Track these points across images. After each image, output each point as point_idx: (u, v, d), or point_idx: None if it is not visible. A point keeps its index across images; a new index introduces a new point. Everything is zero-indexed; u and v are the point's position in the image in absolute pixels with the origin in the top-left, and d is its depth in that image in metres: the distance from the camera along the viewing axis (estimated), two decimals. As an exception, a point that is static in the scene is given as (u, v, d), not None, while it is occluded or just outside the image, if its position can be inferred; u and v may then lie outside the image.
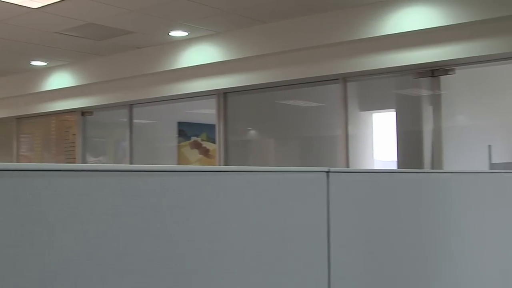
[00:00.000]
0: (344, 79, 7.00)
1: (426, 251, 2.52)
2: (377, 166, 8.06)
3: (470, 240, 2.93)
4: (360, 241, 2.12)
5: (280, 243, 1.79)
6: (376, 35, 6.49)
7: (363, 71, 6.72)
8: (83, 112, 10.11)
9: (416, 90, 6.93)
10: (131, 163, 9.07)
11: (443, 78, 6.54)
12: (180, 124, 9.50)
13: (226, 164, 8.00)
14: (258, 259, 1.71)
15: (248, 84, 7.66)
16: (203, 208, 1.54)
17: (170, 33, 7.81)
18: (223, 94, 8.14)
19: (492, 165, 7.06)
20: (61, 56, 9.23)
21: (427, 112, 6.69)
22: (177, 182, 1.48)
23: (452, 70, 6.42)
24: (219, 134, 8.14)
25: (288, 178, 1.85)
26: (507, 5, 5.61)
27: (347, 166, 6.85)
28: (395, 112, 7.19)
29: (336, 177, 1.98)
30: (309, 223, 1.91)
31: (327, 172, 1.96)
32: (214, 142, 8.28)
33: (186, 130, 9.45)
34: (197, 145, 9.29)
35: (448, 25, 6.08)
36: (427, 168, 6.61)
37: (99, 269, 1.26)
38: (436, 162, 6.54)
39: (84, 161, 10.12)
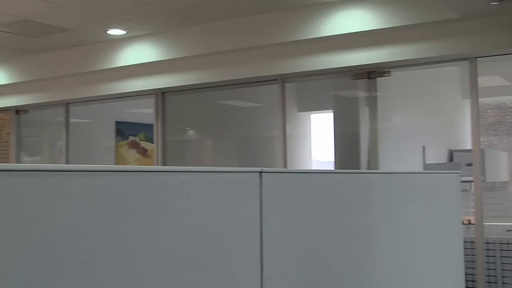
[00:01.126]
0: (282, 79, 7.04)
1: (359, 251, 2.56)
2: (315, 166, 8.14)
3: (403, 239, 2.98)
4: (293, 241, 2.14)
5: (213, 243, 1.78)
6: (314, 37, 6.54)
7: (301, 72, 6.77)
8: (18, 110, 9.87)
9: (353, 92, 7.03)
10: (67, 163, 8.91)
11: (379, 80, 6.64)
12: (118, 123, 9.39)
13: (164, 164, 7.93)
14: (191, 259, 1.70)
15: (186, 84, 7.62)
16: (134, 208, 1.52)
17: (107, 31, 7.70)
18: (161, 94, 8.07)
19: (426, 166, 7.22)
20: (-5, 53, 8.99)
21: (364, 113, 6.79)
22: (109, 182, 1.46)
23: (388, 72, 6.53)
24: (157, 134, 8.07)
25: (221, 179, 1.84)
26: (442, 10, 5.74)
27: (285, 167, 6.89)
28: (332, 113, 7.27)
29: (269, 178, 1.99)
30: (242, 223, 1.91)
31: (260, 172, 1.96)
32: (152, 142, 8.21)
33: (124, 130, 9.35)
34: (135, 145, 9.20)
35: (384, 28, 6.18)
36: (364, 168, 6.71)
37: (24, 271, 1.23)
38: (372, 162, 6.64)
39: (18, 161, 9.89)
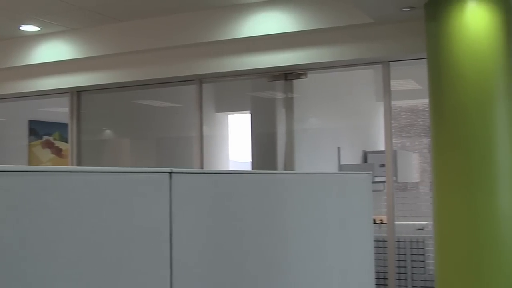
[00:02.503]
0: (200, 80, 7.03)
1: (270, 251, 2.58)
2: (232, 167, 8.17)
3: (315, 238, 3.03)
4: (203, 242, 2.13)
5: (121, 244, 1.76)
6: (232, 38, 6.56)
7: (219, 72, 6.78)
8: None
9: (270, 93, 7.09)
10: (-23, 163, 8.60)
11: (296, 81, 6.73)
12: (31, 122, 9.14)
13: (79, 164, 7.78)
14: (98, 261, 1.67)
15: (102, 83, 7.49)
16: (36, 209, 1.48)
17: (20, 27, 7.48)
18: (77, 93, 7.91)
19: (341, 167, 7.37)
20: None
21: (281, 115, 6.86)
22: (10, 182, 1.42)
23: (305, 74, 6.63)
24: (72, 134, 7.90)
25: (130, 179, 1.82)
26: (357, 14, 5.86)
27: (202, 167, 6.88)
28: (250, 114, 7.32)
29: (179, 178, 1.98)
30: (151, 224, 1.90)
31: (170, 173, 1.95)
32: (67, 142, 8.03)
33: (37, 129, 9.11)
34: (49, 145, 8.98)
35: (301, 31, 6.26)
36: (280, 169, 6.78)
37: None
38: (288, 163, 6.72)
39: None
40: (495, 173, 5.02)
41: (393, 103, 6.31)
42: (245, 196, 2.39)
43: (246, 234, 2.39)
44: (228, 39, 6.59)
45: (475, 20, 5.08)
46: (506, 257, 5.02)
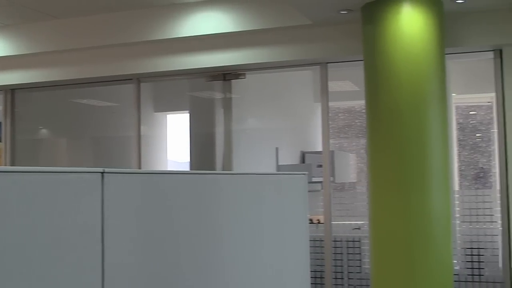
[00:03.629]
0: (138, 79, 6.96)
1: (204, 250, 2.58)
2: (171, 167, 8.13)
3: (250, 238, 3.04)
4: (135, 242, 2.12)
5: (51, 245, 1.73)
6: (171, 37, 6.52)
7: (157, 72, 6.72)
8: None
9: (209, 93, 7.08)
10: None
11: (234, 82, 6.74)
12: (-37, 120, 8.88)
13: (13, 164, 7.60)
14: (28, 261, 1.64)
15: (38, 81, 7.33)
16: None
17: (-49, 23, 7.27)
18: (11, 91, 7.72)
19: (279, 167, 7.41)
20: None
21: (219, 115, 6.85)
22: None
23: (243, 74, 6.64)
24: (5, 133, 7.71)
25: (61, 179, 1.80)
26: (296, 16, 5.89)
27: (140, 167, 6.82)
28: (188, 114, 7.29)
29: (111, 178, 1.96)
30: (83, 224, 1.87)
31: (102, 173, 1.93)
32: (0, 141, 7.84)
33: (-31, 128, 8.85)
34: (-18, 144, 8.74)
35: (240, 31, 6.26)
36: (219, 169, 6.78)
37: None
38: (227, 163, 6.72)
39: None
40: (428, 173, 5.14)
41: (331, 104, 6.38)
42: (179, 196, 2.38)
43: (179, 234, 2.38)
44: (167, 39, 6.54)
45: (410, 24, 5.19)
46: (438, 255, 5.14)
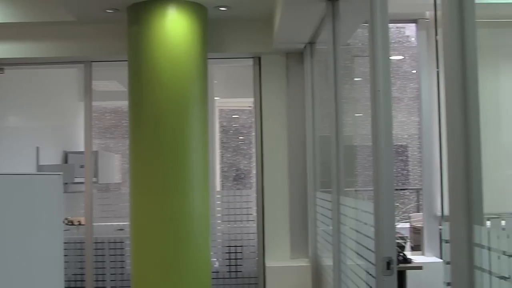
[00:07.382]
0: None
1: None
2: None
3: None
4: None
5: None
6: None
7: None
8: None
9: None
10: None
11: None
12: None
13: None
14: None
15: None
16: None
17: None
18: None
19: (40, 167, 7.14)
20: None
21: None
22: None
23: (1, 69, 6.30)
24: None
25: None
26: (60, 12, 5.70)
27: None
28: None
29: None
30: None
31: None
32: None
33: None
34: None
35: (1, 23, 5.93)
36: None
37: None
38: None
39: None
40: (188, 174, 5.27)
41: (98, 103, 6.31)
42: None
43: None
44: None
45: (174, 27, 5.29)
46: (198, 253, 5.30)
